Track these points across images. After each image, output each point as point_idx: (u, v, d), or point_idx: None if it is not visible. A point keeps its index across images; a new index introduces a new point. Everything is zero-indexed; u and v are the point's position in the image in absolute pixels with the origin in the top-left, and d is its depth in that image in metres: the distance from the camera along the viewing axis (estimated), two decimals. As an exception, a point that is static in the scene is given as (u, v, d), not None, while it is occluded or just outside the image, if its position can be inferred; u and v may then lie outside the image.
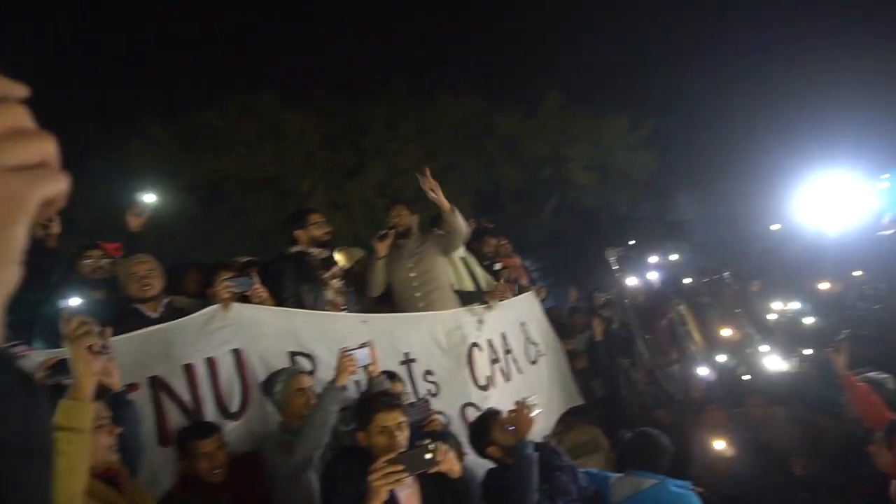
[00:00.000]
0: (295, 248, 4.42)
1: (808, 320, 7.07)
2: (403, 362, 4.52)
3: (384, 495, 2.45)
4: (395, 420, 2.77)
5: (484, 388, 4.97)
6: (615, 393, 6.50)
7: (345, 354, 3.26)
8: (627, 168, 13.66)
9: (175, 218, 11.13)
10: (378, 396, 2.96)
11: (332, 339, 4.05)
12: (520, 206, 13.88)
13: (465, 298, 5.38)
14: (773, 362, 5.01)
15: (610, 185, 14.06)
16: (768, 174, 13.43)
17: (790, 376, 5.14)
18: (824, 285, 7.91)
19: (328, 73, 14.80)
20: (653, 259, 9.46)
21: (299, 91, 12.84)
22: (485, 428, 3.56)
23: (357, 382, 3.81)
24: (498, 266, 6.31)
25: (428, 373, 4.65)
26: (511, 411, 3.72)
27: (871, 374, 4.38)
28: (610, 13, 16.33)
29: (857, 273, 7.27)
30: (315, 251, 4.43)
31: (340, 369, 3.22)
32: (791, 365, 5.08)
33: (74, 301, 3.69)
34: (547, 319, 6.63)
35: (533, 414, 3.72)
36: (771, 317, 7.62)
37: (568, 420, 6.10)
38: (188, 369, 3.40)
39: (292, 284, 4.10)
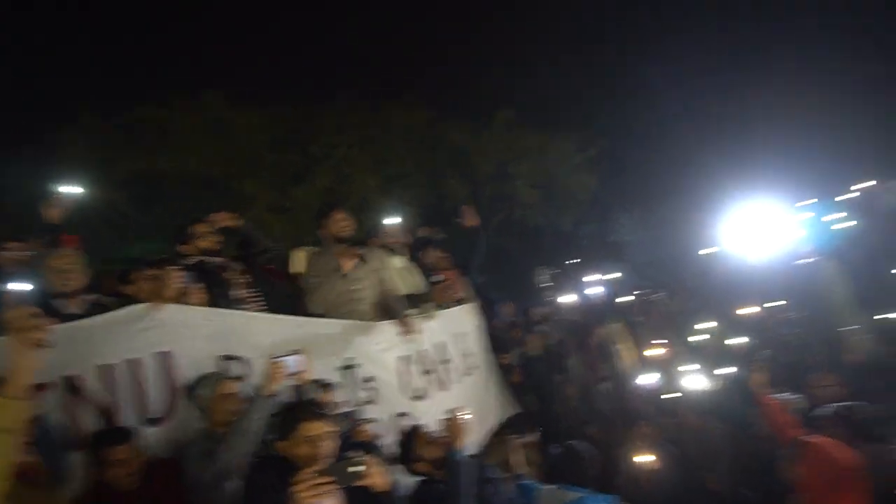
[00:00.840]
0: (192, 260, 4.31)
1: (734, 341, 7.40)
2: (345, 367, 4.46)
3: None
4: (320, 430, 2.71)
5: (418, 398, 4.95)
6: (548, 408, 6.61)
7: (274, 361, 3.18)
8: (571, 188, 13.98)
9: (107, 213, 10.70)
10: (304, 405, 2.90)
11: (266, 343, 3.95)
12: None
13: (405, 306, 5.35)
14: (697, 381, 5.19)
15: (554, 204, 14.35)
16: (704, 201, 14.04)
17: (711, 394, 5.34)
18: (747, 310, 8.32)
19: (278, 77, 14.58)
20: (591, 277, 9.69)
21: (247, 92, 12.64)
22: (410, 444, 3.54)
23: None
24: (437, 278, 6.34)
25: (368, 379, 4.60)
26: (445, 419, 3.74)
27: (784, 395, 4.62)
28: (564, 35, 16.82)
29: (780, 301, 7.67)
30: (207, 259, 4.36)
31: (269, 377, 3.14)
32: (712, 383, 5.28)
33: (21, 287, 3.46)
34: (484, 333, 6.69)
35: (465, 421, 3.75)
36: (697, 337, 7.93)
37: (501, 434, 6.17)
38: (107, 370, 3.25)
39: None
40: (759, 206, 6.42)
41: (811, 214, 10.18)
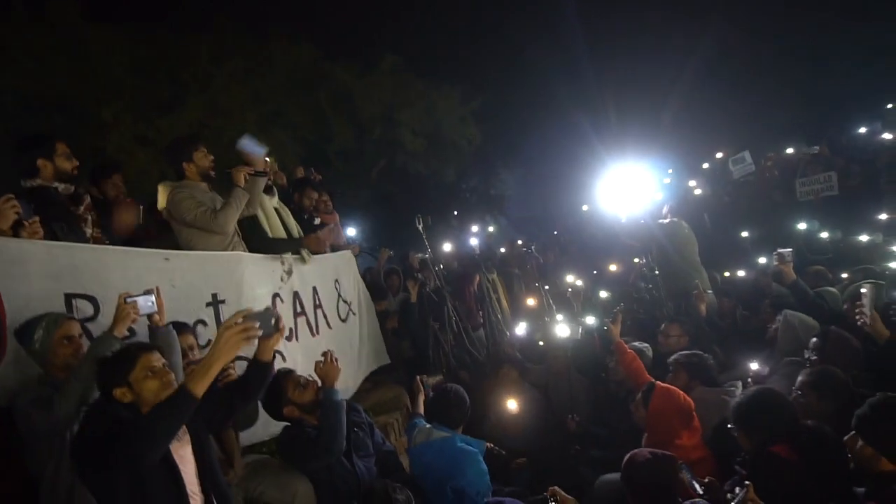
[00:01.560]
0: (34, 182, 3.68)
1: (601, 294, 7.96)
2: (210, 303, 4.15)
3: (233, 355, 2.37)
4: (160, 361, 2.53)
5: (287, 339, 4.78)
6: (423, 353, 6.75)
7: (125, 301, 2.90)
8: (455, 138, 14.00)
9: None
10: (130, 345, 2.64)
11: (123, 279, 3.58)
12: (348, 164, 13.59)
13: (277, 247, 5.12)
14: (562, 330, 5.51)
15: (437, 154, 14.34)
16: (579, 161, 14.77)
17: (574, 342, 5.71)
18: (612, 266, 8.97)
19: None
20: (472, 228, 9.93)
21: (108, 8, 11.12)
22: (279, 388, 3.44)
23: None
24: (317, 221, 6.16)
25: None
26: (318, 361, 3.70)
27: (636, 344, 5.03)
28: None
29: (638, 259, 8.31)
30: (61, 186, 3.76)
31: (119, 317, 2.87)
32: (575, 332, 5.63)
33: None
34: (361, 279, 6.64)
35: (336, 362, 3.72)
36: (567, 288, 8.43)
37: (374, 379, 6.24)
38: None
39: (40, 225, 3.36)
40: (629, 170, 6.80)
41: (672, 180, 11.13)
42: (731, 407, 3.15)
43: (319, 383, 3.63)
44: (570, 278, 7.72)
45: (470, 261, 8.42)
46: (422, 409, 4.38)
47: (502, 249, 10.40)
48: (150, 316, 3.07)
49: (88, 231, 3.92)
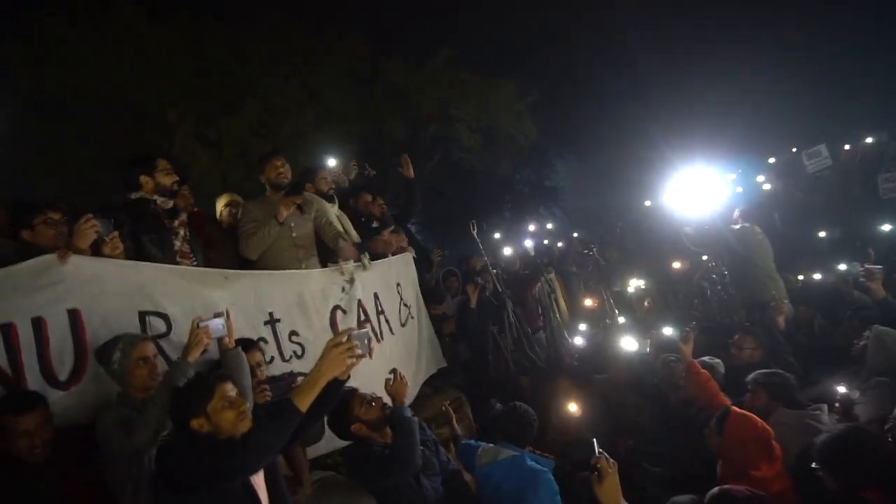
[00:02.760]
0: (136, 195, 3.93)
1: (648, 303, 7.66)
2: (268, 322, 4.24)
3: (338, 372, 2.52)
4: (234, 390, 2.54)
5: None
6: (481, 357, 6.68)
7: (197, 326, 2.93)
8: (511, 133, 13.78)
9: (8, 138, 9.65)
10: (208, 375, 2.66)
11: (190, 297, 3.69)
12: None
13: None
14: (628, 343, 5.32)
15: (493, 149, 14.16)
16: (639, 156, 14.34)
17: (641, 357, 5.50)
18: (676, 264, 8.63)
19: None
20: (528, 227, 9.78)
21: (165, 8, 11.39)
22: (346, 406, 3.43)
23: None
24: (374, 224, 6.16)
25: (293, 333, 4.40)
26: (387, 379, 3.69)
27: (706, 359, 4.81)
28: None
29: (705, 258, 7.97)
30: (160, 199, 3.98)
31: (192, 343, 2.90)
32: (643, 346, 5.42)
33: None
34: (417, 283, 6.61)
35: (406, 378, 3.72)
36: (629, 289, 8.18)
37: (434, 384, 6.21)
38: (7, 330, 2.91)
39: (129, 237, 3.59)
40: (697, 172, 6.51)
41: (739, 179, 10.63)
42: (817, 446, 2.92)
43: (384, 400, 3.61)
44: (634, 282, 7.48)
45: (530, 262, 8.28)
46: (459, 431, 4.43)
47: (559, 244, 10.20)
48: (219, 339, 3.10)
49: (178, 244, 4.04)
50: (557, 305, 8.10)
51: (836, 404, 3.93)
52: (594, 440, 2.76)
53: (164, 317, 3.53)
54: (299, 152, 11.54)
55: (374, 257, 5.42)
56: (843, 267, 6.41)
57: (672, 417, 4.92)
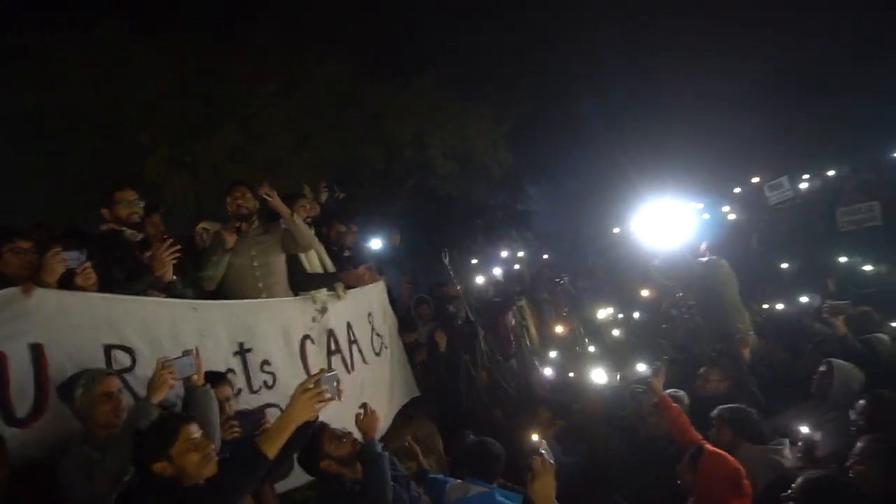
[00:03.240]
0: (105, 226, 3.94)
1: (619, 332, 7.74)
2: (238, 353, 4.20)
3: (307, 417, 2.55)
4: (199, 432, 2.51)
5: (319, 381, 4.78)
6: (454, 387, 6.67)
7: (163, 365, 2.87)
8: (486, 161, 13.94)
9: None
10: (172, 415, 2.64)
11: (156, 329, 3.65)
12: (375, 184, 13.59)
13: (314, 282, 5.15)
14: (598, 376, 5.38)
15: (467, 175, 14.28)
16: (609, 183, 14.63)
17: (611, 391, 5.56)
18: (645, 292, 8.78)
19: (185, 10, 12.97)
20: (501, 254, 9.88)
21: (150, 27, 11.26)
22: (315, 442, 3.40)
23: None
24: (346, 253, 6.15)
25: (265, 363, 4.37)
26: (357, 414, 3.68)
27: (671, 392, 4.89)
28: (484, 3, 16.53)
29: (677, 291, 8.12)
30: (128, 232, 3.95)
31: (156, 384, 2.81)
32: (612, 378, 5.49)
33: None
34: (391, 310, 6.60)
35: (377, 412, 3.72)
36: (599, 317, 8.27)
37: (406, 412, 6.17)
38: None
39: (98, 269, 3.50)
40: (665, 204, 6.68)
41: (706, 208, 10.93)
42: (796, 484, 2.99)
43: (355, 435, 3.59)
44: (603, 311, 7.58)
45: (503, 289, 8.34)
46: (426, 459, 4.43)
47: (530, 270, 10.29)
48: (188, 378, 3.06)
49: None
50: (528, 333, 8.16)
51: (799, 443, 4.02)
52: (543, 441, 2.80)
53: (130, 350, 3.49)
54: (275, 178, 11.44)
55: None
56: (804, 299, 6.62)
57: (640, 449, 4.97)
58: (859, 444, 3.21)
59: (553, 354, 7.43)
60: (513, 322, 7.79)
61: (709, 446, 3.83)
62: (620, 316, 7.99)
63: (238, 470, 2.41)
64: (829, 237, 8.48)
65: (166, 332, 3.70)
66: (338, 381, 2.67)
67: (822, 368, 4.50)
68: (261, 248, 4.77)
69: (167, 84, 11.05)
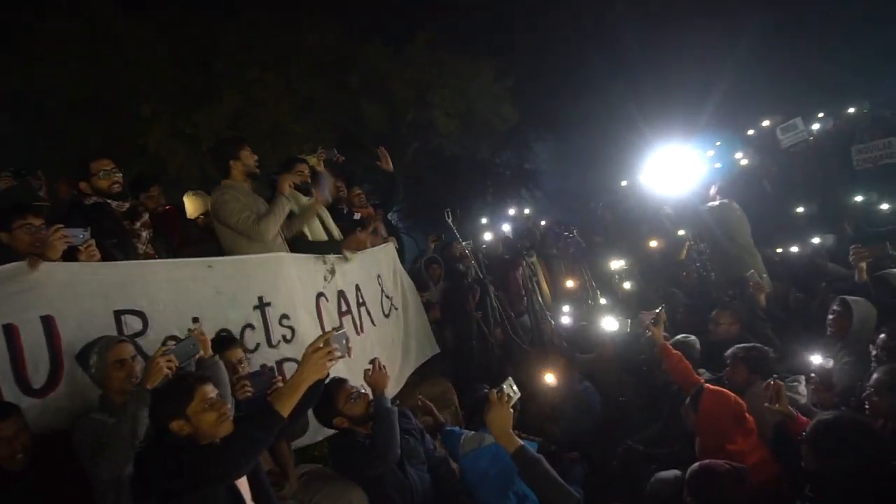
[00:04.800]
0: (90, 200, 3.90)
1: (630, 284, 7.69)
2: (257, 307, 4.19)
3: (319, 376, 2.59)
4: (215, 391, 2.55)
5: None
6: (466, 344, 6.72)
7: (161, 354, 2.78)
8: (490, 118, 13.72)
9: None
10: (188, 375, 2.66)
11: (168, 291, 3.65)
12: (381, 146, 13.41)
13: (317, 249, 5.14)
14: (609, 323, 5.37)
15: (472, 133, 14.09)
16: (617, 135, 14.35)
17: (622, 337, 5.55)
18: (653, 243, 8.68)
19: None
20: (507, 211, 9.79)
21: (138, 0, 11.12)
22: (330, 398, 3.44)
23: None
24: (357, 216, 6.12)
25: (284, 317, 4.35)
26: (366, 370, 3.71)
27: (680, 337, 4.87)
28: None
29: (682, 232, 8.01)
30: (114, 203, 3.94)
31: (151, 371, 2.71)
32: (624, 326, 5.47)
33: None
34: (404, 270, 6.60)
35: (386, 368, 3.75)
36: (611, 269, 8.21)
37: (420, 371, 6.23)
38: (-23, 338, 2.88)
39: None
40: (674, 150, 6.53)
41: (717, 154, 10.71)
42: (813, 424, 2.92)
43: (370, 394, 3.63)
44: (615, 263, 7.52)
45: (511, 246, 8.30)
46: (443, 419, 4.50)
47: (542, 222, 10.22)
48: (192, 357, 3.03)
49: (142, 248, 4.00)
50: (540, 288, 8.13)
51: (812, 375, 4.00)
52: (510, 378, 2.81)
53: (140, 314, 3.50)
54: (278, 144, 11.43)
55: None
56: (816, 240, 6.50)
57: (654, 395, 5.00)
58: (875, 376, 3.18)
59: (566, 308, 7.42)
60: (523, 278, 7.78)
61: (709, 385, 3.84)
62: (631, 267, 7.90)
63: (252, 428, 2.43)
64: (845, 177, 8.29)
65: (179, 293, 3.70)
66: (347, 340, 2.68)
67: (836, 307, 4.43)
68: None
69: (161, 56, 10.95)
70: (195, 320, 3.50)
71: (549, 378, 4.87)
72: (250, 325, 4.10)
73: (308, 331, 4.42)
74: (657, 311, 4.69)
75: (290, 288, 4.46)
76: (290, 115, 11.68)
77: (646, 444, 4.58)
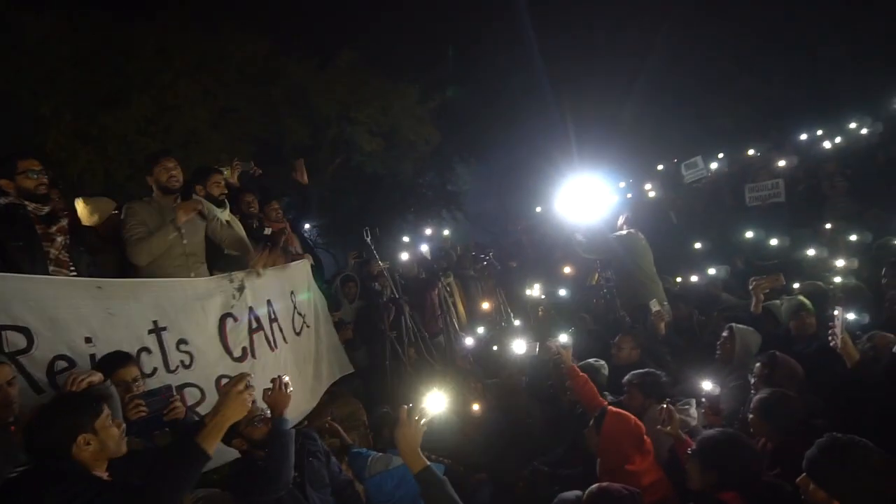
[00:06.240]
0: (4, 199, 3.62)
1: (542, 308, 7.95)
2: (152, 331, 3.98)
3: (242, 413, 2.55)
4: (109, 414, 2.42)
5: (239, 359, 4.64)
6: (379, 364, 6.67)
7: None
8: (413, 139, 13.85)
9: None
10: (91, 390, 2.54)
11: (56, 309, 3.41)
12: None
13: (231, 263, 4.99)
14: (519, 346, 5.49)
15: (394, 153, 14.16)
16: (534, 163, 14.89)
17: (531, 358, 5.69)
18: (567, 269, 9.02)
19: None
20: (425, 231, 9.88)
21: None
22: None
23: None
24: (267, 231, 5.98)
25: (182, 342, 4.17)
26: (266, 389, 3.59)
27: (591, 361, 5.06)
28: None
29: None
30: (31, 205, 3.67)
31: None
32: (532, 349, 5.62)
33: None
34: (318, 289, 6.49)
35: (288, 391, 3.64)
36: (528, 293, 8.44)
37: (331, 390, 6.11)
38: None
39: None
40: (586, 180, 6.84)
41: (629, 186, 11.33)
42: (698, 440, 3.17)
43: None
44: (529, 288, 7.73)
45: (429, 266, 8.36)
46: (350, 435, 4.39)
47: (461, 244, 10.38)
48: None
49: (54, 252, 3.73)
50: (455, 309, 8.23)
51: (703, 400, 4.26)
52: (427, 395, 2.81)
53: (25, 330, 3.25)
54: (193, 152, 10.98)
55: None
56: (712, 271, 6.97)
57: (562, 416, 5.14)
58: (753, 400, 3.44)
59: (480, 330, 7.54)
60: (439, 299, 7.85)
61: (611, 408, 4.00)
62: (545, 294, 8.16)
63: (179, 466, 2.32)
64: (738, 213, 8.96)
65: (69, 310, 3.47)
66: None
67: (724, 333, 4.77)
68: (190, 227, 4.56)
69: (64, 55, 10.31)
70: (88, 340, 3.30)
71: (476, 408, 4.91)
72: (146, 349, 3.90)
73: (210, 355, 4.28)
74: (566, 334, 4.85)
75: (187, 313, 4.28)
76: (207, 123, 11.29)
77: (551, 465, 4.70)
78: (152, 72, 11.02)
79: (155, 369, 3.90)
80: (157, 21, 11.56)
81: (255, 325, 4.99)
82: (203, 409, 3.89)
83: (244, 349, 4.72)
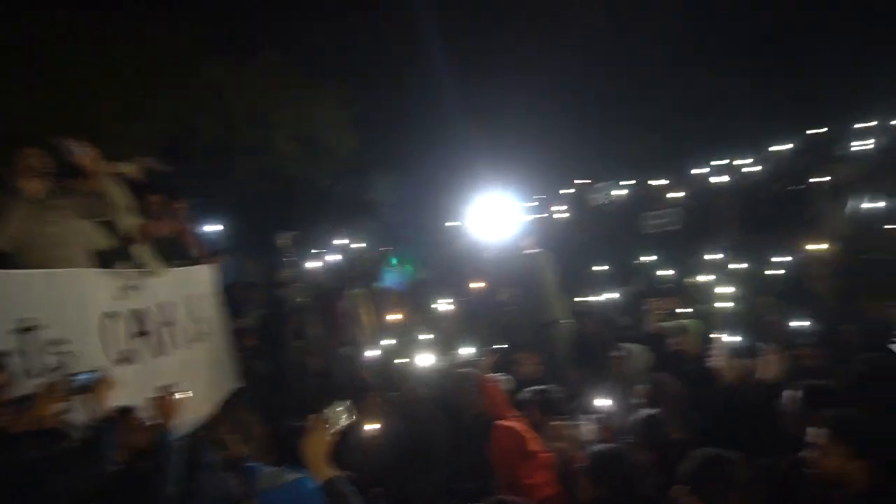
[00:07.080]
0: None
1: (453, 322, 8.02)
2: (16, 330, 3.60)
3: None
4: None
5: (124, 361, 4.34)
6: (281, 373, 6.48)
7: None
8: (332, 145, 13.68)
9: None
10: None
11: None
12: (213, 161, 12.69)
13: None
14: (425, 359, 5.50)
15: (312, 158, 13.92)
16: (447, 178, 15.10)
17: (438, 373, 5.72)
18: (475, 284, 9.14)
19: None
20: (339, 241, 9.74)
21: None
22: (114, 427, 3.11)
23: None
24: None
25: (55, 342, 3.79)
26: (154, 398, 3.41)
27: (496, 376, 5.16)
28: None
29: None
30: None
31: None
32: (438, 362, 5.65)
33: None
34: (220, 295, 6.22)
35: (178, 397, 3.47)
36: (436, 307, 8.47)
37: (227, 400, 5.85)
38: None
39: None
40: (495, 199, 7.03)
41: (538, 207, 11.70)
42: (588, 454, 3.33)
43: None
44: (440, 303, 7.77)
45: (337, 275, 8.24)
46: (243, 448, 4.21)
47: (369, 256, 10.27)
48: None
49: None
50: (363, 320, 8.13)
51: (594, 416, 4.43)
52: (338, 403, 2.78)
53: None
54: (96, 145, 10.18)
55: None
56: (611, 294, 7.32)
57: (465, 430, 5.18)
58: (635, 418, 3.65)
59: (385, 342, 7.47)
60: (347, 309, 7.73)
61: (499, 422, 4.09)
62: (454, 307, 8.23)
63: None
64: (636, 238, 9.48)
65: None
66: None
67: (618, 353, 5.03)
68: (58, 214, 4.20)
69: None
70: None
71: (371, 430, 4.84)
72: (8, 352, 3.56)
73: (87, 355, 3.95)
74: (484, 349, 4.92)
75: (61, 309, 3.91)
76: (114, 116, 10.62)
77: (452, 478, 4.72)
78: (59, 57, 10.20)
79: (23, 372, 3.53)
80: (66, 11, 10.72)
81: (141, 327, 4.71)
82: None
83: (124, 352, 4.42)
